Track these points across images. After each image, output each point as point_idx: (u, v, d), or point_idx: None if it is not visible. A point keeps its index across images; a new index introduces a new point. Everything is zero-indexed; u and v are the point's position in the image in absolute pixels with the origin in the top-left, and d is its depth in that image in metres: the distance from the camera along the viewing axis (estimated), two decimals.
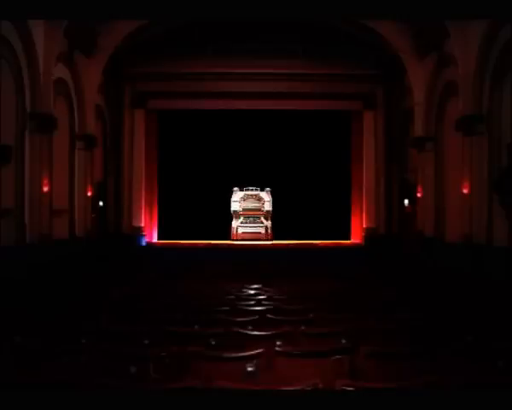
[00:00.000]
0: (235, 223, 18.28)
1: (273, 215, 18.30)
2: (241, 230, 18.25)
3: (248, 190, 18.47)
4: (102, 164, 16.71)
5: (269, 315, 5.35)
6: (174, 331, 4.56)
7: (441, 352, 3.89)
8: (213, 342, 4.30)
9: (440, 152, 14.23)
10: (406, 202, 16.31)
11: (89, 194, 14.95)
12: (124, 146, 17.60)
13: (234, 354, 3.74)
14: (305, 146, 18.52)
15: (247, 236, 18.03)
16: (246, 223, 18.31)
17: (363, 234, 17.85)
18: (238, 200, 18.35)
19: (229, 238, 18.05)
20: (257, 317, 5.28)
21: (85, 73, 14.37)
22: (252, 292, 7.91)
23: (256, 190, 18.51)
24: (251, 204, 18.39)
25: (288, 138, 18.39)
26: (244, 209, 18.34)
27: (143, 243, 17.50)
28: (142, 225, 17.76)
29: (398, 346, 4.18)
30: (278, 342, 4.06)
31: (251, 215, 18.32)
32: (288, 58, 16.54)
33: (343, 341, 4.16)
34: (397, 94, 17.04)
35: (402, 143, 16.83)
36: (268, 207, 18.36)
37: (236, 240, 17.92)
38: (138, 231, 17.54)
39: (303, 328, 4.77)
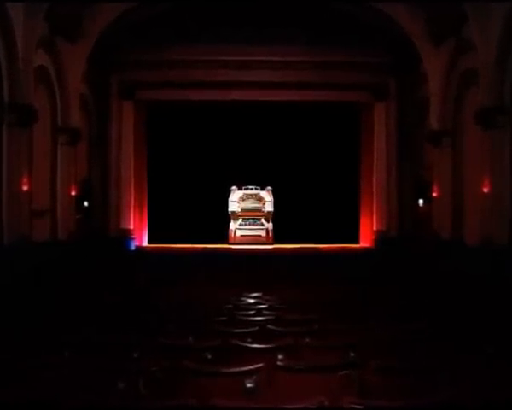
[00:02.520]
0: (233, 225, 18.29)
1: (274, 217, 18.31)
2: (239, 232, 18.26)
3: (248, 189, 18.48)
4: (87, 160, 16.71)
5: (270, 326, 5.35)
6: (166, 344, 4.57)
7: (459, 366, 3.89)
8: (209, 356, 4.30)
9: (458, 147, 14.23)
10: (421, 201, 16.31)
11: (72, 193, 14.94)
12: (111, 141, 17.59)
13: (232, 369, 3.75)
14: (310, 141, 18.53)
15: (246, 239, 18.04)
16: (245, 225, 18.33)
17: (374, 237, 17.86)
18: (236, 200, 18.36)
19: (226, 242, 18.06)
20: (257, 328, 5.29)
21: (69, 61, 14.35)
22: (251, 301, 7.93)
23: (256, 189, 18.51)
24: (250, 204, 18.41)
25: (290, 132, 18.40)
26: (243, 210, 18.35)
27: (132, 247, 17.51)
28: (131, 227, 17.75)
29: (412, 359, 4.19)
30: (280, 356, 4.06)
31: (250, 217, 18.34)
32: (290, 45, 16.51)
33: (351, 354, 4.16)
34: (410, 84, 17.04)
35: (416, 138, 16.83)
36: (269, 207, 18.37)
37: (234, 244, 17.93)
38: (127, 234, 17.54)
39: (307, 340, 4.78)
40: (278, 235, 18.12)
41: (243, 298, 8.13)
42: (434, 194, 15.22)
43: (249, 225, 18.33)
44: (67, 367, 3.86)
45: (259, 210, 18.39)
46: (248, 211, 18.34)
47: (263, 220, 18.39)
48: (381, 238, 17.54)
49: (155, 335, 4.85)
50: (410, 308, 7.09)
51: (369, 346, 4.48)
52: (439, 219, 14.85)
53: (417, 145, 16.81)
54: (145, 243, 18.33)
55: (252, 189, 18.49)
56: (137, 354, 4.27)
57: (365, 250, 17.66)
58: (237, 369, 3.72)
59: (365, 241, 18.27)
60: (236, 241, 18.06)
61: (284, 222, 18.05)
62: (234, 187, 18.40)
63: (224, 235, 18.13)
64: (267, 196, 18.46)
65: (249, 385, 3.53)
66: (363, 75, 17.19)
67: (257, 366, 3.70)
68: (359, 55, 16.69)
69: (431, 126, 14.99)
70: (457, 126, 14.25)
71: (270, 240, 18.14)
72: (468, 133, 13.51)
